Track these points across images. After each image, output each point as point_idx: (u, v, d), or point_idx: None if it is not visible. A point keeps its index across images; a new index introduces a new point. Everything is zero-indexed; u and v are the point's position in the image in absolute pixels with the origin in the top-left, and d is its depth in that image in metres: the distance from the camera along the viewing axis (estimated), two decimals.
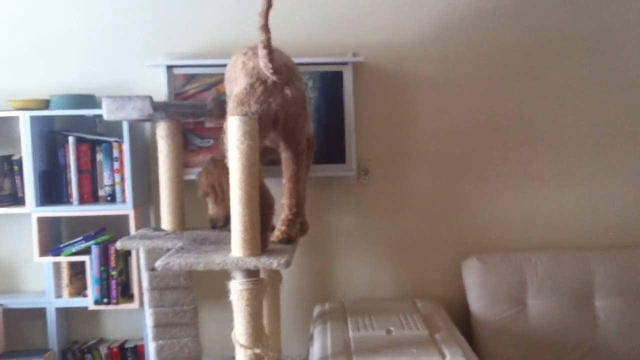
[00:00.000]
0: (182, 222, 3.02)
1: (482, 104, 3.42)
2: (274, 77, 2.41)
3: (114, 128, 3.28)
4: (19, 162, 3.26)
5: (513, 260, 3.28)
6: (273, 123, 2.48)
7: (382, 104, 3.39)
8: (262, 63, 2.39)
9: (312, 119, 3.25)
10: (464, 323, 3.24)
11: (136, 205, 3.23)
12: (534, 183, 3.46)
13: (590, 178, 3.46)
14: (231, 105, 2.42)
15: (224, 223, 2.88)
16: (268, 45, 2.33)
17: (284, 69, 2.43)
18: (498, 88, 3.42)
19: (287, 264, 2.33)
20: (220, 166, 2.80)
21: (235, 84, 2.52)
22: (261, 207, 2.40)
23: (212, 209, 2.91)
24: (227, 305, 2.42)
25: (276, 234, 2.58)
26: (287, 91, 2.46)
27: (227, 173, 2.74)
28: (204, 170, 2.91)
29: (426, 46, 3.38)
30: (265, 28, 2.31)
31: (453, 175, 3.44)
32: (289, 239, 2.60)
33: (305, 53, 3.29)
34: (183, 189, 3.01)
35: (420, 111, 3.41)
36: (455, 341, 2.68)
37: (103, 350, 3.37)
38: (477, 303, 3.23)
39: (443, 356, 2.51)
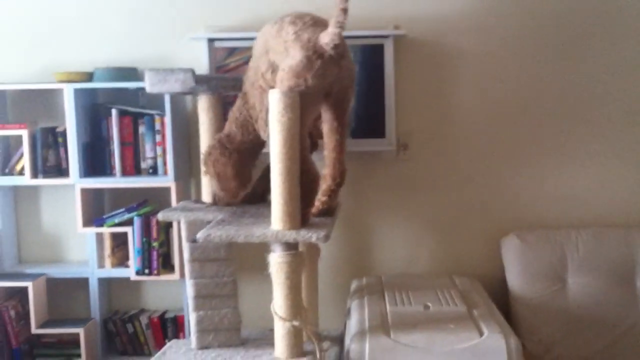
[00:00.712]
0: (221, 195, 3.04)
1: (525, 79, 3.37)
2: (332, 52, 2.38)
3: (155, 101, 3.31)
4: (63, 134, 3.31)
5: (553, 237, 3.24)
6: (325, 95, 2.48)
7: (423, 78, 3.37)
8: (329, 38, 2.34)
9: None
10: (502, 300, 3.22)
11: (177, 178, 3.27)
12: (575, 159, 3.40)
13: (633, 154, 3.39)
14: (284, 77, 2.38)
15: (226, 204, 2.90)
16: (342, 26, 2.32)
17: (340, 42, 2.41)
18: (541, 62, 3.36)
19: (327, 237, 2.34)
20: (226, 154, 2.80)
21: (283, 54, 2.46)
22: (306, 182, 2.41)
23: (216, 188, 2.91)
24: (266, 278, 2.44)
25: (316, 205, 2.58)
26: (343, 64, 2.46)
27: (235, 158, 2.79)
28: (210, 154, 2.84)
29: (469, 19, 3.33)
30: (346, 11, 2.29)
31: (493, 151, 3.41)
32: (329, 210, 2.61)
33: (346, 26, 3.25)
34: None
35: (462, 85, 3.37)
36: (493, 318, 2.67)
37: (144, 320, 3.43)
38: (515, 280, 3.21)
39: (481, 332, 2.51)
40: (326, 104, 2.54)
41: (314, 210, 2.56)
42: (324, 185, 2.60)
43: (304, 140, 2.40)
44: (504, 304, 3.20)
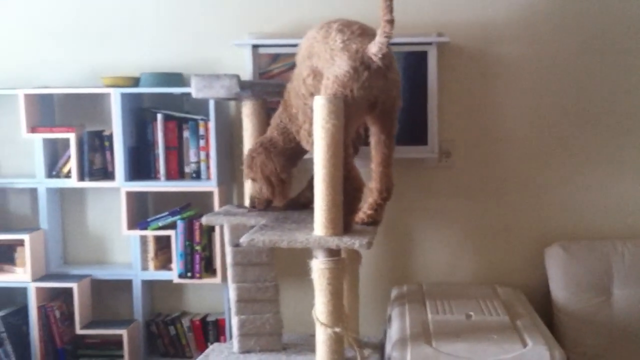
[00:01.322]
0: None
1: (571, 88, 3.32)
2: (380, 63, 2.37)
3: (200, 106, 3.35)
4: (110, 137, 3.36)
5: (598, 248, 3.19)
6: (370, 107, 2.45)
7: (466, 85, 3.34)
8: (376, 49, 2.34)
9: None
10: (545, 311, 3.17)
11: (220, 183, 3.29)
12: (622, 170, 3.35)
13: None
14: (329, 85, 2.38)
15: (265, 207, 2.89)
16: (389, 37, 2.31)
17: (386, 53, 2.41)
18: (588, 72, 3.31)
19: (369, 244, 2.33)
20: (272, 157, 2.81)
21: (329, 62, 2.44)
22: (350, 190, 2.40)
23: (254, 188, 2.90)
24: (307, 284, 2.44)
25: (361, 217, 2.57)
26: (389, 75, 2.44)
27: (282, 162, 2.80)
28: (254, 158, 2.84)
29: (514, 26, 3.30)
30: (392, 22, 2.29)
31: (537, 160, 3.37)
32: (373, 223, 2.60)
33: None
34: None
35: (506, 94, 3.34)
36: (537, 329, 2.64)
37: (185, 322, 3.46)
38: (559, 291, 3.16)
39: (525, 344, 2.48)
40: (372, 116, 2.52)
41: (358, 220, 2.55)
42: (370, 198, 2.59)
43: (347, 148, 2.39)
44: (547, 315, 3.15)
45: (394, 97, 2.52)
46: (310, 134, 2.55)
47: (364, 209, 2.58)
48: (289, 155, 2.85)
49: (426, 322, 2.72)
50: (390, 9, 2.28)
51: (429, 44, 3.23)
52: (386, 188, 2.59)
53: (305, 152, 2.86)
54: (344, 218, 2.41)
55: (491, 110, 3.36)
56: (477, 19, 3.30)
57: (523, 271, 3.41)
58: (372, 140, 2.59)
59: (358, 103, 2.38)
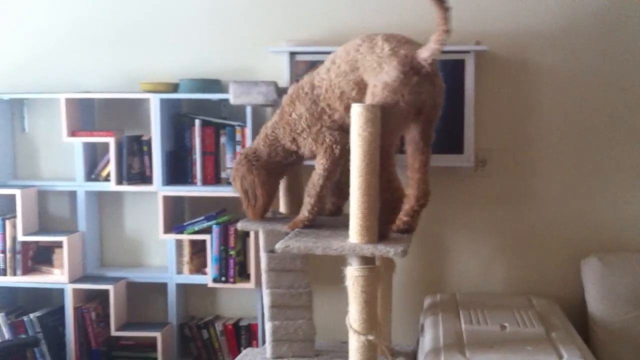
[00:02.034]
0: (299, 206, 3.07)
1: (609, 97, 3.29)
2: (429, 68, 2.39)
3: (237, 112, 3.38)
4: (148, 142, 3.41)
5: (636, 260, 3.14)
6: (417, 113, 2.45)
7: (504, 94, 3.33)
8: (428, 53, 2.35)
9: None
10: (581, 324, 3.13)
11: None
12: None
13: None
14: (378, 92, 2.37)
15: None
16: (443, 44, 2.33)
17: (434, 60, 2.41)
18: (626, 81, 3.27)
19: (404, 252, 2.33)
20: (253, 172, 2.77)
21: (376, 70, 2.42)
22: (390, 200, 2.41)
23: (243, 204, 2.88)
24: (341, 291, 2.45)
25: (397, 224, 2.57)
26: (436, 82, 2.46)
27: (263, 176, 2.77)
28: (237, 170, 2.82)
29: (553, 36, 3.27)
30: (448, 32, 2.31)
31: (575, 170, 3.33)
32: (409, 230, 2.60)
33: (426, 41, 3.25)
34: (301, 174, 3.06)
35: (545, 103, 3.31)
36: (572, 341, 2.60)
37: (218, 327, 3.49)
38: (596, 304, 3.12)
39: (560, 356, 2.44)
40: (415, 123, 2.51)
41: (394, 228, 2.55)
42: (407, 205, 2.58)
43: (391, 157, 2.40)
44: (583, 327, 3.11)
45: (439, 104, 2.53)
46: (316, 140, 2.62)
47: (400, 216, 2.58)
48: (273, 169, 2.81)
49: (460, 332, 2.70)
50: (447, 19, 2.30)
51: (467, 52, 3.22)
52: (424, 194, 2.59)
53: (289, 166, 2.84)
54: (381, 227, 2.41)
55: (528, 120, 3.34)
56: (516, 28, 3.29)
57: (558, 282, 3.37)
58: (410, 147, 2.59)
59: (407, 109, 2.38)
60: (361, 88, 2.49)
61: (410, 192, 2.59)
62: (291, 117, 2.71)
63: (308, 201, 2.67)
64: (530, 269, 3.40)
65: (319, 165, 2.65)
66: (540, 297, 3.20)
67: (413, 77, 2.37)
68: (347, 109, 2.51)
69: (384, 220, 2.41)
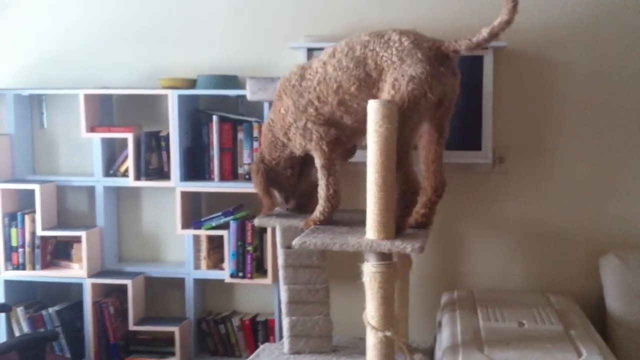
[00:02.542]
0: (316, 202, 3.07)
1: (629, 94, 3.26)
2: (453, 59, 2.45)
3: (254, 108, 3.39)
4: (166, 138, 3.43)
5: None
6: (438, 104, 2.47)
7: (523, 90, 3.31)
8: (464, 45, 2.40)
9: None
10: (599, 322, 3.11)
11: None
12: None
13: None
14: (402, 86, 2.37)
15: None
16: (479, 45, 2.42)
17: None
18: None
19: (421, 249, 2.32)
20: (258, 172, 2.83)
21: (397, 64, 2.42)
22: (408, 194, 2.42)
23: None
24: (357, 287, 2.45)
25: (414, 218, 2.57)
26: (456, 74, 2.51)
27: (263, 176, 2.83)
28: (251, 168, 2.90)
29: (572, 31, 3.25)
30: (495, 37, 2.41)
31: (594, 167, 3.31)
32: (426, 224, 2.61)
33: (444, 37, 3.24)
34: None
35: (564, 99, 3.29)
36: (591, 339, 2.59)
37: (235, 322, 3.50)
38: (614, 302, 3.09)
39: (579, 354, 2.43)
40: (433, 115, 2.52)
41: (411, 222, 2.55)
42: (424, 197, 2.59)
43: (410, 150, 2.42)
44: (601, 325, 3.09)
45: (456, 95, 2.56)
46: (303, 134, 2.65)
47: (417, 209, 2.58)
48: (278, 167, 2.86)
49: (477, 329, 2.69)
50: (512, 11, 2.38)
51: (486, 48, 3.20)
52: (441, 185, 2.61)
53: (287, 181, 2.89)
54: (398, 220, 2.41)
55: (547, 116, 3.32)
56: (535, 23, 3.26)
57: (576, 280, 3.35)
58: (424, 139, 2.61)
59: (433, 101, 2.40)
60: (362, 85, 2.50)
61: (426, 184, 2.61)
62: (280, 113, 2.73)
63: (320, 202, 2.70)
64: (549, 266, 3.38)
65: (316, 163, 2.68)
66: (559, 295, 3.18)
67: (439, 68, 2.40)
68: (340, 103, 2.56)
69: (401, 214, 2.42)
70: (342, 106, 2.57)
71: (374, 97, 2.43)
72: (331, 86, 2.56)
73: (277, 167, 2.85)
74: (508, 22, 2.35)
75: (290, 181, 2.90)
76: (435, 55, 2.41)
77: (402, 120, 2.34)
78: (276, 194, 2.93)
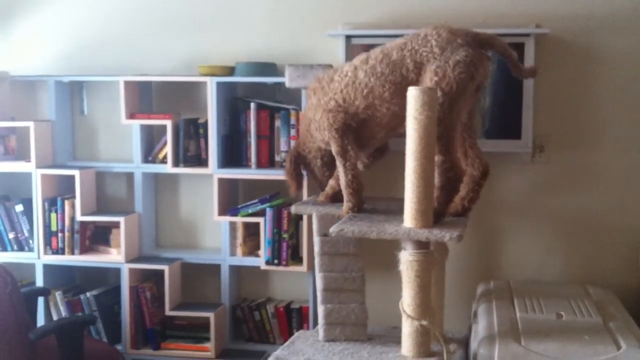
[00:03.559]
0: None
1: None
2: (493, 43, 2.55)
3: (291, 96, 3.39)
4: (204, 125, 3.44)
5: None
6: (477, 90, 2.55)
7: (565, 78, 3.25)
8: (501, 46, 2.58)
9: (488, 92, 3.24)
10: (639, 314, 3.06)
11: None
12: None
13: None
14: (448, 72, 2.43)
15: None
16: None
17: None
18: None
19: (460, 237, 2.32)
20: (291, 163, 2.97)
21: (438, 54, 2.48)
22: (453, 180, 2.48)
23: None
24: (393, 275, 2.45)
25: (460, 203, 2.58)
26: (490, 57, 2.59)
27: (293, 161, 2.97)
28: (287, 158, 3.03)
29: (616, 19, 3.19)
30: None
31: (636, 157, 3.25)
32: (469, 209, 2.64)
33: (486, 24, 3.21)
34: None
35: (606, 88, 3.23)
36: (631, 331, 2.55)
37: (270, 309, 3.51)
38: None
39: (618, 346, 2.39)
40: (469, 101, 2.56)
41: (453, 210, 2.56)
42: (470, 183, 2.61)
43: (456, 135, 2.48)
44: None
45: (485, 84, 2.65)
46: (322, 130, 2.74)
47: (461, 195, 2.60)
48: (308, 159, 3.00)
49: (514, 320, 2.66)
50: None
51: (527, 35, 3.16)
52: (486, 167, 2.65)
53: (318, 170, 3.01)
54: (441, 208, 2.43)
55: (589, 105, 3.26)
56: (578, 10, 3.21)
57: (616, 272, 3.30)
58: (459, 127, 2.61)
59: (478, 82, 2.49)
60: (397, 89, 2.56)
61: (470, 169, 2.64)
62: (307, 109, 2.84)
63: (343, 191, 2.76)
64: (588, 258, 3.33)
65: (333, 151, 2.74)
66: (597, 287, 3.14)
67: (480, 50, 2.50)
68: (368, 107, 2.64)
69: (444, 201, 2.44)
70: (369, 110, 2.64)
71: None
72: (360, 90, 2.63)
73: (308, 156, 2.95)
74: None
75: (321, 171, 2.99)
76: (473, 39, 2.50)
77: (449, 106, 2.41)
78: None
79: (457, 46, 2.45)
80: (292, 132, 3.35)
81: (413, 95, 2.29)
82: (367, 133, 2.73)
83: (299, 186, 3.04)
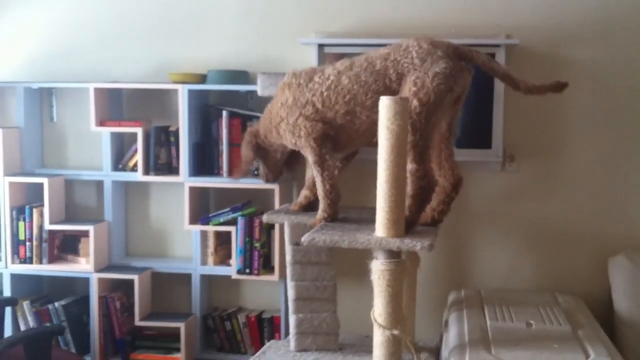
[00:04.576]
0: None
1: None
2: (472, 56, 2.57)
3: (263, 104, 3.36)
4: (175, 133, 3.42)
5: None
6: (455, 101, 2.56)
7: None
8: (482, 60, 2.58)
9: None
10: (607, 322, 3.10)
11: (281, 181, 3.31)
12: None
13: None
14: (427, 83, 2.44)
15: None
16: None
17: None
18: None
19: (431, 246, 2.31)
20: (248, 144, 2.93)
21: (418, 65, 2.50)
22: (426, 190, 2.50)
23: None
24: (365, 284, 2.44)
25: (430, 214, 2.59)
26: (470, 68, 2.60)
27: (253, 149, 2.93)
28: (244, 140, 2.99)
29: (586, 29, 3.24)
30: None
31: (604, 167, 3.29)
32: (439, 221, 2.64)
33: (457, 34, 3.24)
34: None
35: (575, 98, 3.27)
36: (599, 340, 2.57)
37: (241, 318, 3.49)
38: (623, 302, 3.07)
39: (587, 354, 2.41)
40: (448, 113, 2.59)
41: (425, 220, 2.57)
42: (441, 194, 2.62)
43: (430, 145, 2.50)
44: (608, 326, 3.07)
45: (464, 95, 2.64)
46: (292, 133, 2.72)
47: (432, 207, 2.60)
48: (269, 150, 2.98)
49: (485, 328, 2.67)
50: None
51: (497, 45, 3.19)
52: (459, 180, 2.66)
53: (273, 161, 3.02)
54: (413, 217, 2.44)
55: (558, 115, 3.30)
56: (547, 21, 3.25)
57: (585, 280, 3.34)
58: (436, 138, 2.64)
59: (456, 94, 2.50)
60: (379, 98, 2.54)
61: (443, 181, 2.64)
62: (277, 105, 2.80)
63: (320, 200, 2.74)
64: (557, 266, 3.37)
65: (309, 160, 2.73)
66: (567, 294, 3.17)
67: (460, 62, 2.52)
68: (348, 113, 2.63)
69: (416, 209, 2.45)
70: (348, 116, 2.64)
71: None
72: (342, 95, 2.63)
73: (270, 149, 2.95)
74: (529, 91, 2.62)
75: (276, 163, 3.00)
76: (454, 52, 2.53)
77: (427, 116, 2.43)
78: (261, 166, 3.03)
79: (438, 58, 2.47)
80: None
81: (385, 105, 2.29)
82: (344, 140, 2.72)
83: (246, 173, 3.06)
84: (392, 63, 2.56)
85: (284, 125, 2.74)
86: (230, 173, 3.05)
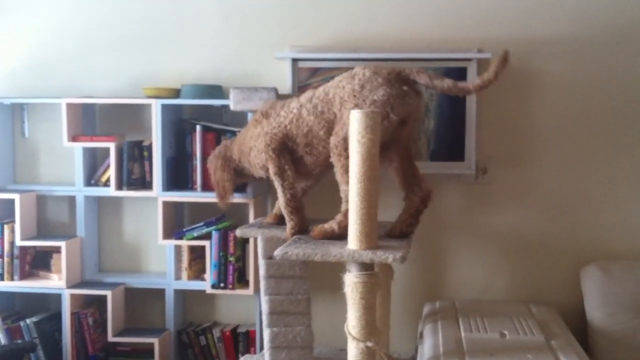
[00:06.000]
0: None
1: (613, 107, 3.29)
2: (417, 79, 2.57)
3: (238, 118, 3.38)
4: (149, 147, 3.40)
5: (637, 268, 3.14)
6: (401, 124, 2.56)
7: (506, 102, 3.33)
8: (425, 80, 2.55)
9: (433, 115, 3.28)
10: (581, 332, 3.13)
11: (256, 195, 3.31)
12: None
13: None
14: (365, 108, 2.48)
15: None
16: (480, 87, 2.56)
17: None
18: (631, 90, 3.27)
19: (403, 258, 2.33)
20: (226, 168, 2.97)
21: (358, 91, 2.54)
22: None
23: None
24: (339, 297, 2.44)
25: (399, 227, 2.60)
26: (421, 91, 2.62)
27: (232, 176, 2.98)
28: (212, 162, 3.03)
29: (557, 43, 3.28)
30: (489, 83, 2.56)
31: (577, 179, 3.33)
32: (409, 233, 2.66)
33: (429, 48, 3.27)
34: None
35: (547, 111, 3.31)
36: (572, 349, 2.60)
37: (216, 333, 3.47)
38: (595, 312, 3.11)
39: None
40: (399, 135, 2.61)
41: (395, 231, 2.58)
42: (412, 208, 2.65)
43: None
44: (582, 335, 3.10)
45: (422, 113, 2.71)
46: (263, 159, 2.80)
47: (402, 219, 2.62)
48: (242, 173, 3.02)
49: (459, 339, 2.69)
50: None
51: (469, 59, 3.22)
52: (428, 193, 2.67)
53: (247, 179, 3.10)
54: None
55: (530, 128, 3.34)
56: (518, 35, 3.29)
57: (558, 290, 3.36)
58: (395, 162, 2.69)
59: (395, 121, 2.50)
60: (330, 127, 2.62)
61: (414, 194, 2.66)
62: (248, 138, 2.87)
63: (284, 212, 2.78)
64: (530, 277, 3.39)
65: (271, 172, 2.78)
66: (540, 305, 3.20)
67: (402, 88, 2.52)
68: (307, 145, 2.70)
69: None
70: (307, 147, 2.70)
71: None
72: (302, 129, 2.69)
73: (243, 172, 2.99)
74: (481, 87, 2.52)
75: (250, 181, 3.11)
76: (396, 77, 2.54)
77: None
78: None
79: (377, 85, 2.50)
80: None
81: (356, 118, 2.30)
82: (304, 169, 2.80)
83: (231, 195, 3.06)
84: (340, 89, 2.60)
85: (254, 153, 2.82)
86: (220, 202, 3.05)
